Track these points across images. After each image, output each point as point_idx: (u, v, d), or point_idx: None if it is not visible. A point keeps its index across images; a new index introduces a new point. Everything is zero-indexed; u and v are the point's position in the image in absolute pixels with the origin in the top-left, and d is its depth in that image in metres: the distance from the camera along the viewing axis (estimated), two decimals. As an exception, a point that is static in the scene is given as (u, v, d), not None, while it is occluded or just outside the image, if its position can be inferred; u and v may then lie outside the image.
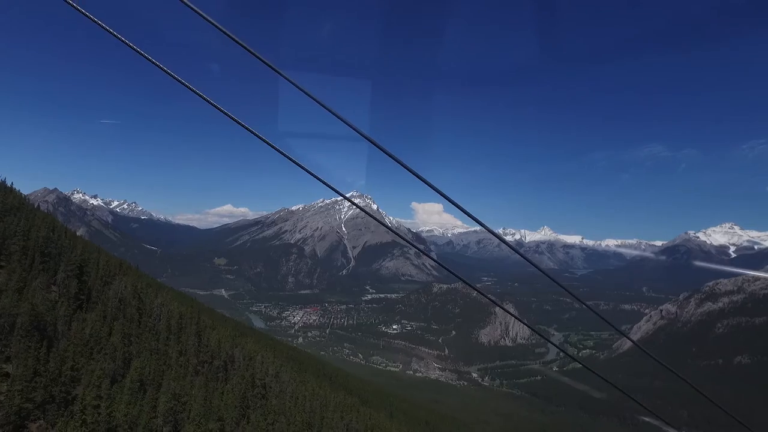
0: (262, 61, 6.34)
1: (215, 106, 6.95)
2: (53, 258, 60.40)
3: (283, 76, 6.65)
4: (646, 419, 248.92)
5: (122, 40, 6.34)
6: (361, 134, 7.28)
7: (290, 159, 7.87)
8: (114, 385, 45.17)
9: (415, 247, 10.45)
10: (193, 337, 63.30)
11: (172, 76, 6.68)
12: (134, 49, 6.35)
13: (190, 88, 6.75)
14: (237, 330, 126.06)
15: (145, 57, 6.41)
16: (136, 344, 55.06)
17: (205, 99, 6.94)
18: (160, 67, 6.40)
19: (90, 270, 64.35)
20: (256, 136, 7.21)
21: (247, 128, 7.12)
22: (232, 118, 7.03)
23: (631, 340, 13.45)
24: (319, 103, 7.12)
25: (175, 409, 45.63)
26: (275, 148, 7.38)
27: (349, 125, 7.22)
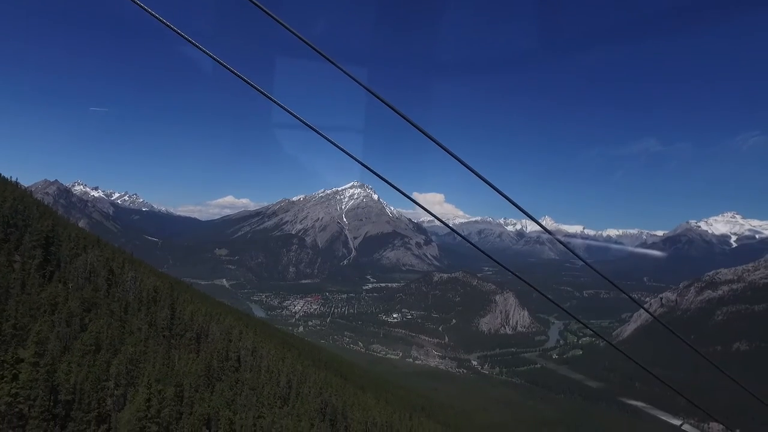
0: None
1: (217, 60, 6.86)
2: (19, 229, 59.84)
3: (286, 27, 6.04)
4: (638, 404, 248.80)
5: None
6: (360, 83, 7.50)
7: (294, 115, 7.73)
8: (67, 349, 44.49)
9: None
10: (166, 309, 62.62)
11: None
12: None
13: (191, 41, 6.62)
14: (240, 320, 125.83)
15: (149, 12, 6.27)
16: (101, 313, 54.41)
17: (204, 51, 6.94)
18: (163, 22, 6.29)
19: (62, 242, 63.75)
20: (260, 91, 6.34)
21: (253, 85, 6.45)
22: (230, 69, 6.32)
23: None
24: (317, 51, 6.96)
25: (132, 374, 44.96)
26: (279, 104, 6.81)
27: (348, 75, 7.18)
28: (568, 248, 12.49)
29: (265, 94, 7.41)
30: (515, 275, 11.31)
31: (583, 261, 12.06)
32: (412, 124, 7.44)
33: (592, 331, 15.20)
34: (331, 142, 8.21)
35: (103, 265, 62.20)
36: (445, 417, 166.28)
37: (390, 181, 8.20)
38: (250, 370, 65.02)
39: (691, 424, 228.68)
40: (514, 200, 8.27)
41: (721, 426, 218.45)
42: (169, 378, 48.19)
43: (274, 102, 7.70)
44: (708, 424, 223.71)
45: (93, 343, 46.39)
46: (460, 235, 11.79)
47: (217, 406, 49.97)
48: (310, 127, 7.97)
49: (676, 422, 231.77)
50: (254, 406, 56.37)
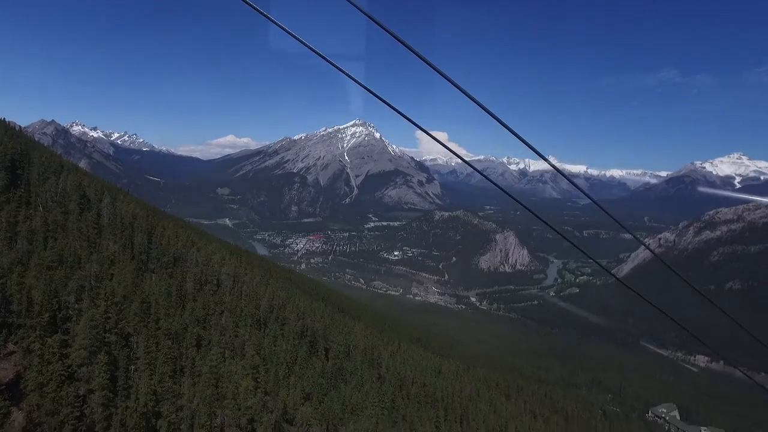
0: None
1: None
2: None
3: None
4: (633, 340, 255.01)
5: None
6: (361, 10, 6.81)
7: (297, 37, 7.14)
8: (24, 265, 44.52)
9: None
10: (143, 234, 62.54)
11: None
12: None
13: None
14: (240, 255, 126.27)
15: None
16: (69, 235, 54.28)
17: None
18: None
19: (32, 166, 62.89)
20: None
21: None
22: None
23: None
24: None
25: (94, 291, 45.29)
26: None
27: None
28: (576, 185, 11.79)
29: (264, 14, 6.85)
30: (537, 217, 11.23)
31: (592, 200, 11.81)
32: (415, 53, 7.07)
33: (601, 266, 15.16)
34: (335, 66, 7.64)
35: (75, 189, 61.52)
36: (440, 347, 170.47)
37: (394, 115, 7.48)
38: (229, 294, 65.88)
39: (678, 356, 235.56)
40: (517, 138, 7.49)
41: (706, 358, 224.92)
42: (135, 295, 48.75)
43: (276, 24, 7.06)
44: (694, 357, 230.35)
45: (56, 260, 46.55)
46: (481, 173, 11.51)
47: (186, 322, 50.84)
48: (313, 51, 7.28)
49: (667, 355, 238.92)
50: (230, 327, 57.41)
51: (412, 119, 8.19)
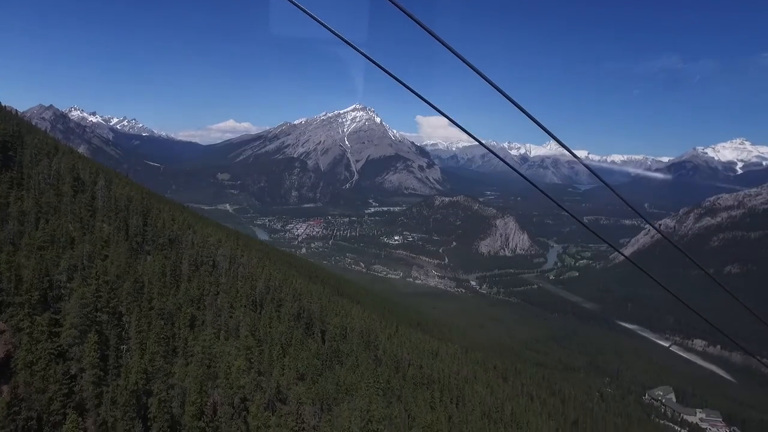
0: None
1: None
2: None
3: None
4: (630, 326, 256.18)
5: None
6: None
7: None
8: (14, 245, 44.25)
9: None
10: (138, 216, 62.23)
11: None
12: None
13: None
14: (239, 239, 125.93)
15: None
16: (62, 216, 53.97)
17: None
18: None
19: (26, 149, 62.39)
20: None
21: None
22: None
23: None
24: None
25: (87, 271, 45.15)
26: None
27: None
28: (590, 169, 12.13)
29: None
30: (555, 203, 11.38)
31: (604, 182, 12.02)
32: (422, 25, 6.84)
33: (609, 245, 14.92)
34: (339, 36, 7.29)
35: (69, 171, 61.05)
36: (439, 331, 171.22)
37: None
38: (225, 276, 65.81)
39: (676, 340, 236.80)
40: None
41: (704, 342, 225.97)
42: (128, 275, 48.58)
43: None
44: (692, 341, 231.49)
45: (48, 240, 46.30)
46: (498, 157, 11.10)
47: (180, 303, 50.79)
48: (318, 20, 7.03)
49: (664, 343, 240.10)
50: (225, 308, 57.39)
51: (435, 104, 7.98)
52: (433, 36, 7.00)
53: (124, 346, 40.04)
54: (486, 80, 7.55)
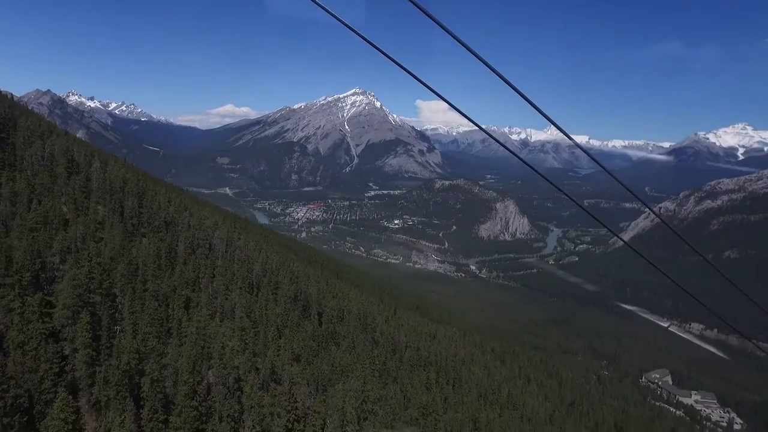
0: None
1: None
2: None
3: None
4: (630, 308, 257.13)
5: None
6: None
7: None
8: (3, 225, 44.03)
9: None
10: (133, 198, 61.89)
11: None
12: None
13: None
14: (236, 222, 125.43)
15: None
16: (55, 198, 53.66)
17: None
18: None
19: (19, 131, 61.81)
20: None
21: None
22: None
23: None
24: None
25: (80, 252, 45.02)
26: None
27: None
28: (588, 153, 12.22)
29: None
30: (555, 186, 11.49)
31: (604, 168, 11.91)
32: (422, 9, 6.81)
33: (609, 229, 15.06)
34: (338, 18, 7.16)
35: (63, 153, 60.55)
36: (438, 314, 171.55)
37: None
38: (221, 258, 65.75)
39: (674, 324, 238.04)
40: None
41: (701, 325, 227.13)
42: (122, 257, 48.49)
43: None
44: (690, 324, 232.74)
45: (40, 221, 46.07)
46: (498, 142, 11.07)
47: (174, 285, 50.77)
48: (316, 2, 6.82)
49: (663, 323, 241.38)
50: (221, 290, 57.41)
51: (435, 89, 7.84)
52: (434, 20, 7.03)
53: (117, 327, 40.12)
54: (486, 65, 7.57)
